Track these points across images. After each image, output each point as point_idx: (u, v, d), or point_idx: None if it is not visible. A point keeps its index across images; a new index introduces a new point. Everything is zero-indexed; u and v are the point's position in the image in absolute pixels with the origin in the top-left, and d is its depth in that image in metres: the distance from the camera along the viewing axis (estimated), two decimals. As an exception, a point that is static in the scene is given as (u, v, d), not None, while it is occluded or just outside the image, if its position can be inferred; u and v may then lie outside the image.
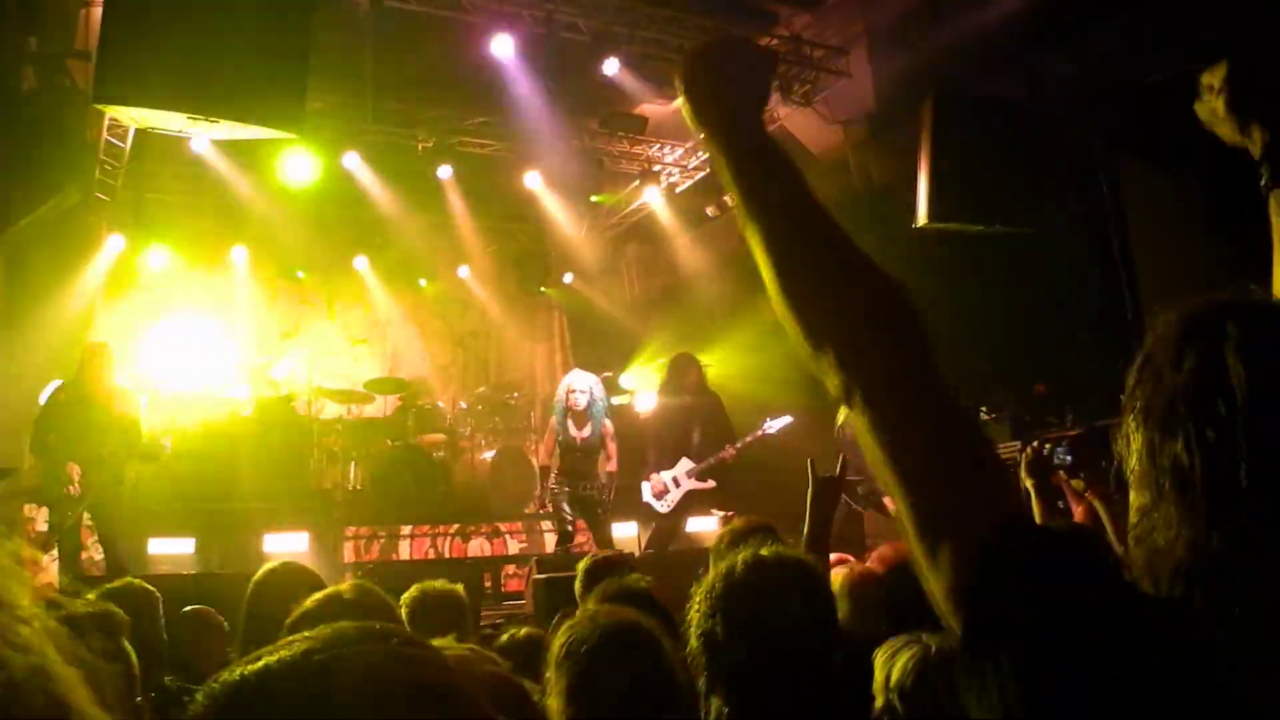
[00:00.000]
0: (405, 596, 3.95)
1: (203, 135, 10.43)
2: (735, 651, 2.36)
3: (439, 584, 4.15)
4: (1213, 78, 2.42)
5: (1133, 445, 1.31)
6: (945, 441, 1.38)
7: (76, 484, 9.09)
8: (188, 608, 5.31)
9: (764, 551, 2.53)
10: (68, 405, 9.45)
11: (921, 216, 9.30)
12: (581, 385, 10.56)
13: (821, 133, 13.10)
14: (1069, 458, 5.22)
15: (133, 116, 8.67)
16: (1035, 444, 5.37)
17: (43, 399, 10.36)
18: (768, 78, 1.74)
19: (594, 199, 15.57)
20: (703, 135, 1.69)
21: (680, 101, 1.72)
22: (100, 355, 9.84)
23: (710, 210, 14.94)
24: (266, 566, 3.84)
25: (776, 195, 1.59)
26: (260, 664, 0.95)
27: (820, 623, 2.46)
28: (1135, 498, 1.29)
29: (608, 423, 10.64)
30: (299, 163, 11.77)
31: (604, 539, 10.41)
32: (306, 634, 0.98)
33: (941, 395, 1.44)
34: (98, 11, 8.47)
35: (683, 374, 10.92)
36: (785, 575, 2.47)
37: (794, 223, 1.57)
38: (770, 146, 1.63)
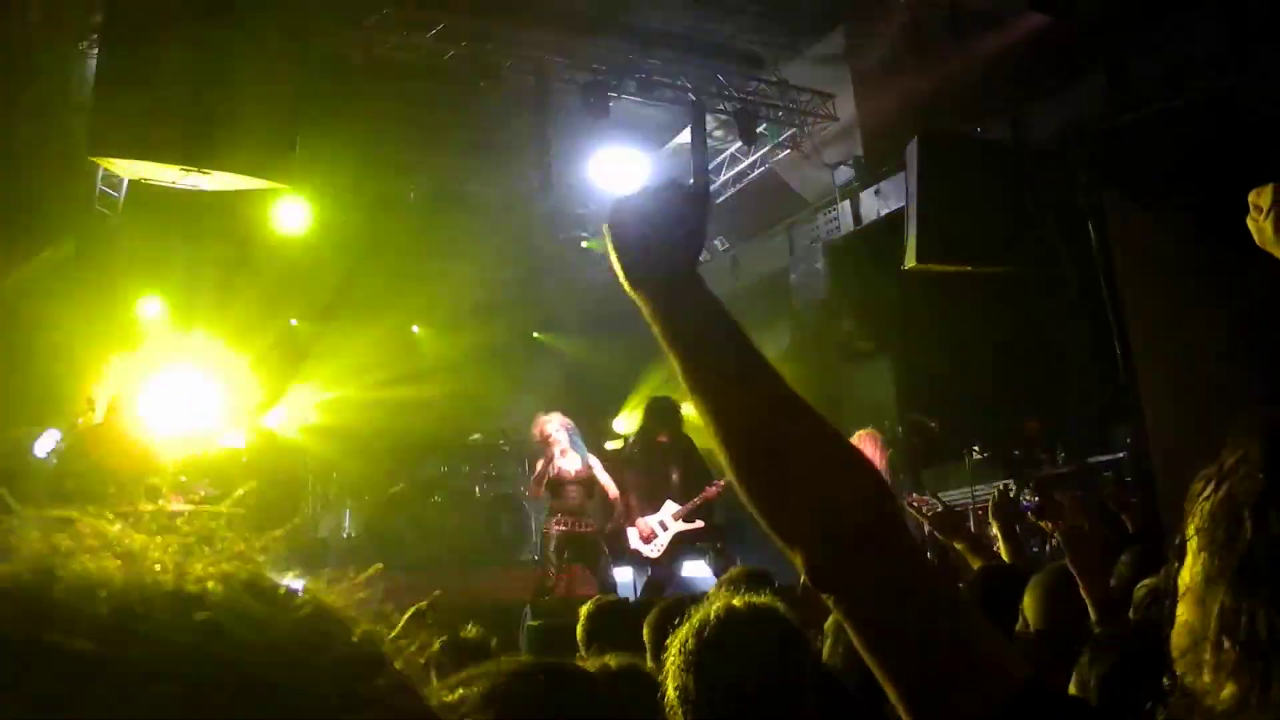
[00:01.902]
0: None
1: (196, 186, 10.50)
2: (708, 706, 2.33)
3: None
4: (1260, 199, 2.38)
5: (1189, 561, 1.19)
6: (935, 633, 1.27)
7: None
8: None
9: (736, 602, 2.48)
10: (84, 453, 9.42)
11: (910, 258, 9.37)
12: (553, 424, 10.64)
13: (810, 175, 13.20)
14: (1035, 499, 5.30)
15: (126, 168, 8.73)
16: (1000, 488, 5.45)
17: (41, 450, 10.38)
18: (701, 224, 1.54)
19: (584, 244, 15.61)
20: (634, 295, 1.51)
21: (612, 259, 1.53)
22: (118, 404, 9.87)
23: (702, 255, 15.02)
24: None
25: (719, 360, 1.46)
26: None
27: (794, 674, 2.43)
28: (1183, 613, 1.18)
29: (590, 456, 10.66)
30: (292, 211, 11.84)
31: (606, 583, 10.36)
32: None
33: (928, 578, 1.35)
34: (94, 64, 8.55)
35: (661, 418, 10.88)
36: (756, 627, 2.43)
37: (743, 396, 1.43)
38: (708, 305, 1.48)
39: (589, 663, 2.37)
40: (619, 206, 1.55)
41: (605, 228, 1.54)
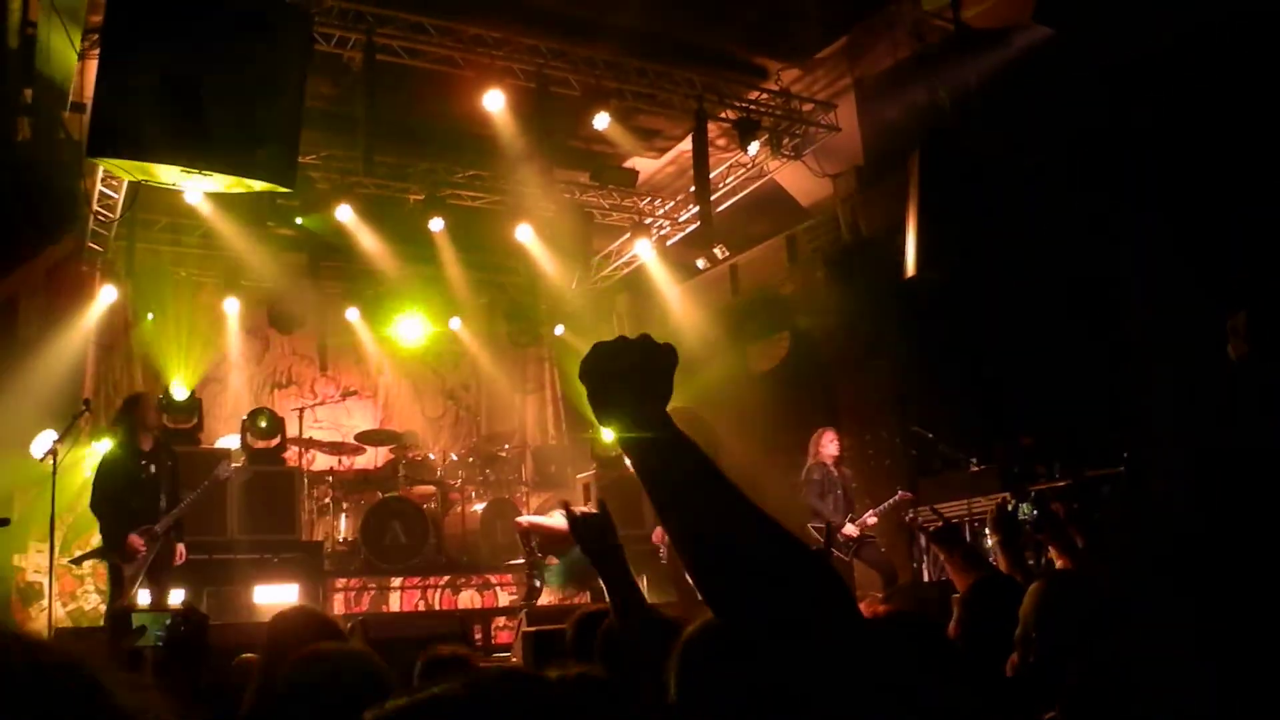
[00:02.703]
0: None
1: (196, 188, 10.51)
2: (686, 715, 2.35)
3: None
4: (1236, 322, 2.48)
5: None
6: None
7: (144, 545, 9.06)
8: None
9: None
10: (122, 460, 9.41)
11: (910, 267, 9.38)
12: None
13: (811, 185, 13.22)
14: (1035, 512, 5.33)
15: (126, 169, 8.72)
16: (1000, 500, 5.49)
17: (38, 451, 10.41)
18: (669, 373, 1.70)
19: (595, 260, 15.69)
20: (608, 431, 1.68)
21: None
22: (150, 404, 9.89)
23: (700, 262, 15.04)
24: (281, 610, 3.99)
25: (685, 493, 1.58)
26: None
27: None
28: None
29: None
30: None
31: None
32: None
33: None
34: (94, 65, 8.54)
35: None
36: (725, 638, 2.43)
37: (710, 525, 1.55)
38: (674, 440, 1.61)
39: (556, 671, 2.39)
40: (593, 353, 1.71)
41: (580, 372, 1.70)
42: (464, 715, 1.10)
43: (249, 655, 5.34)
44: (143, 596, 9.23)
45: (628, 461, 1.65)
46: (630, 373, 1.67)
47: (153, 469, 9.38)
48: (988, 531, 5.21)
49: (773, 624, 1.45)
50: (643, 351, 1.69)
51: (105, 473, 9.32)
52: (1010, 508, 5.20)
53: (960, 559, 4.89)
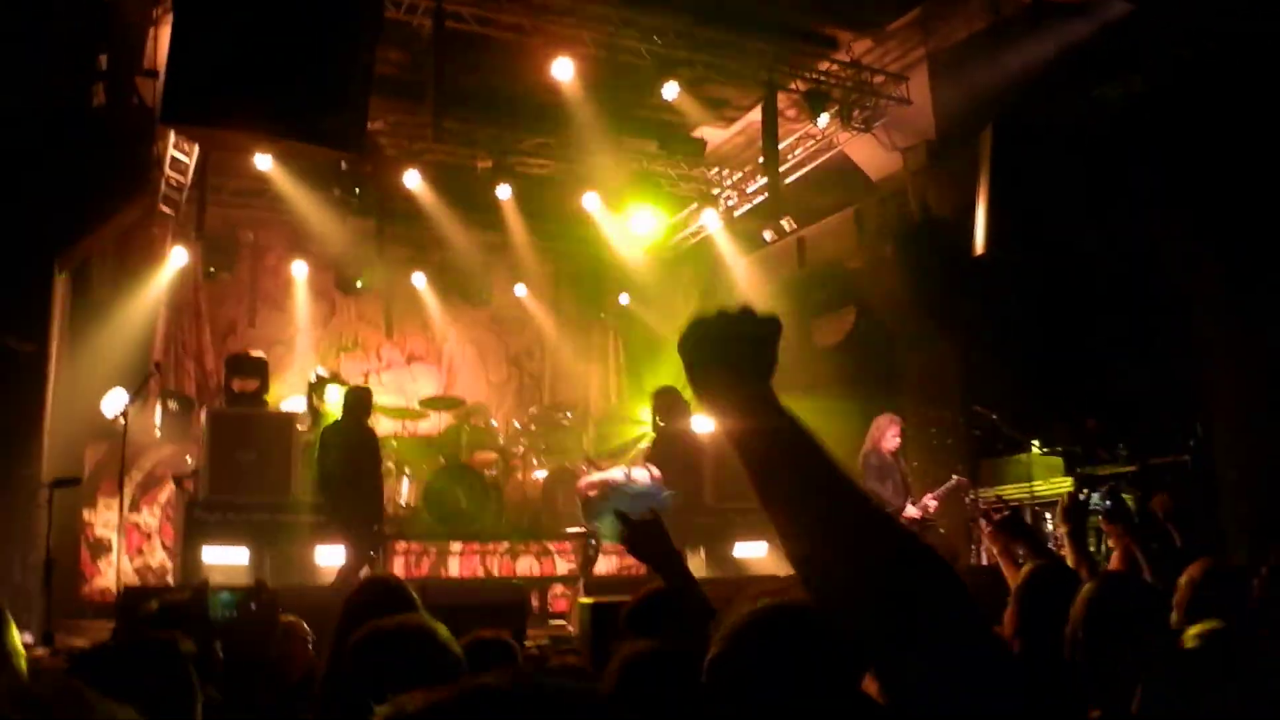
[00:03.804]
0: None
1: (266, 153, 10.58)
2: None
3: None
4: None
5: None
6: None
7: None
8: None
9: (761, 603, 2.43)
10: (349, 446, 9.89)
11: (980, 245, 9.26)
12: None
13: (881, 159, 13.08)
14: (1108, 503, 5.26)
15: (199, 135, 8.79)
16: (1071, 492, 5.43)
17: (109, 410, 10.62)
18: (773, 347, 1.60)
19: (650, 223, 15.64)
20: (710, 413, 1.60)
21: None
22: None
23: (767, 234, 14.94)
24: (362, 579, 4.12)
25: (792, 478, 1.47)
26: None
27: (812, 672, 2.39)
28: None
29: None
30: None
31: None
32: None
33: None
34: (166, 31, 8.60)
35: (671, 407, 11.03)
36: (776, 627, 2.38)
37: (817, 510, 1.44)
38: (776, 424, 1.51)
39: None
40: (694, 326, 1.63)
41: (679, 346, 1.62)
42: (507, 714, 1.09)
43: (289, 617, 5.41)
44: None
45: (732, 447, 1.53)
46: (729, 350, 1.58)
47: None
48: (1057, 521, 5.13)
49: (893, 640, 1.34)
50: (741, 324, 1.61)
51: (369, 453, 10.14)
52: (1082, 497, 5.14)
53: (1028, 548, 4.83)
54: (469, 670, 3.25)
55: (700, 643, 3.40)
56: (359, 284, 15.57)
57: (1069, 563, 4.81)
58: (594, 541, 10.68)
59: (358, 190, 13.18)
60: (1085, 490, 5.57)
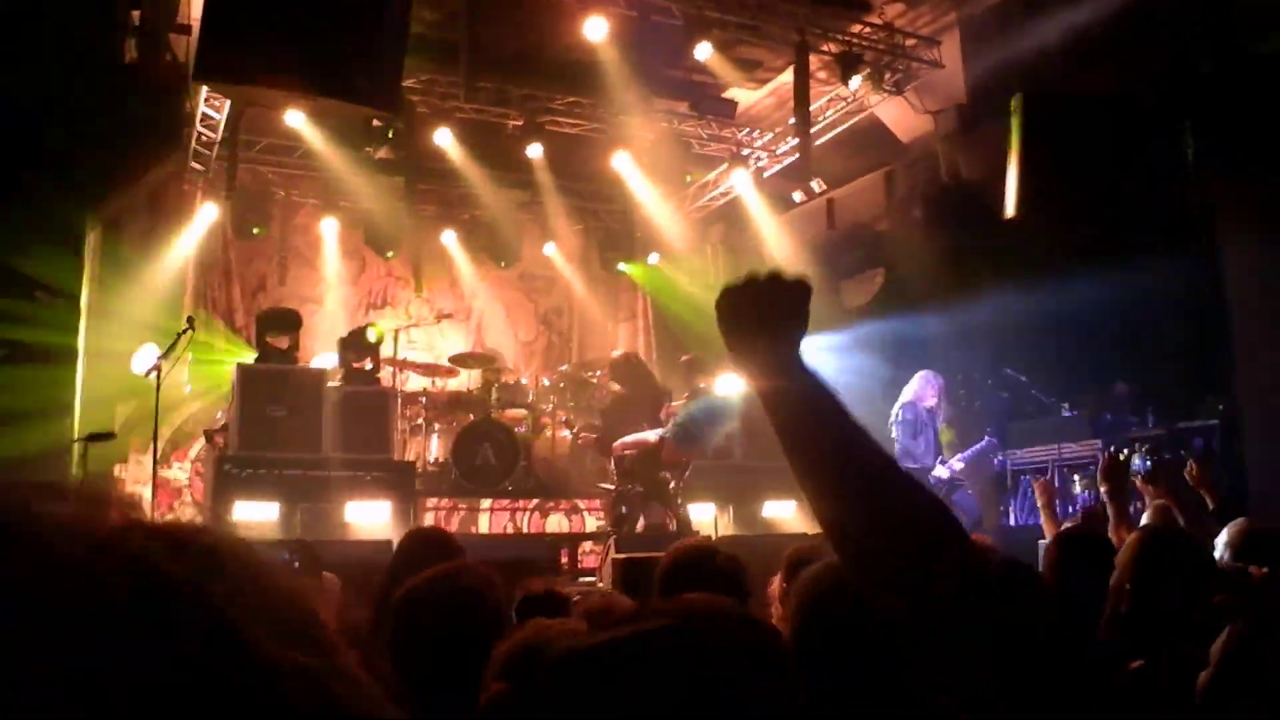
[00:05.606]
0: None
1: (298, 111, 10.61)
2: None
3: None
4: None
5: None
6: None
7: None
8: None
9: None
10: None
11: (1010, 209, 9.24)
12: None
13: (911, 122, 13.03)
14: (1148, 463, 5.32)
15: (233, 92, 8.82)
16: (1111, 450, 5.47)
17: (139, 366, 10.73)
18: (803, 310, 1.65)
19: (688, 179, 15.64)
20: (744, 375, 1.67)
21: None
22: None
23: (797, 195, 14.92)
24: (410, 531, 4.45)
25: (820, 439, 1.54)
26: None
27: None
28: None
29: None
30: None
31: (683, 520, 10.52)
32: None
33: None
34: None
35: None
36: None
37: (843, 472, 1.51)
38: (809, 384, 1.57)
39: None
40: (728, 289, 1.68)
41: (715, 307, 1.68)
42: (686, 656, 1.14)
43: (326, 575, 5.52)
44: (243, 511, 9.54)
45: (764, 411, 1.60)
46: (759, 313, 1.64)
47: None
48: (1099, 480, 5.19)
49: (914, 598, 1.43)
50: (771, 288, 1.66)
51: None
52: (1122, 457, 5.18)
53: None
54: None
55: (740, 596, 3.46)
56: (389, 255, 15.68)
57: (1111, 521, 4.88)
58: (624, 507, 10.77)
59: (389, 146, 13.18)
60: (1125, 451, 5.60)
